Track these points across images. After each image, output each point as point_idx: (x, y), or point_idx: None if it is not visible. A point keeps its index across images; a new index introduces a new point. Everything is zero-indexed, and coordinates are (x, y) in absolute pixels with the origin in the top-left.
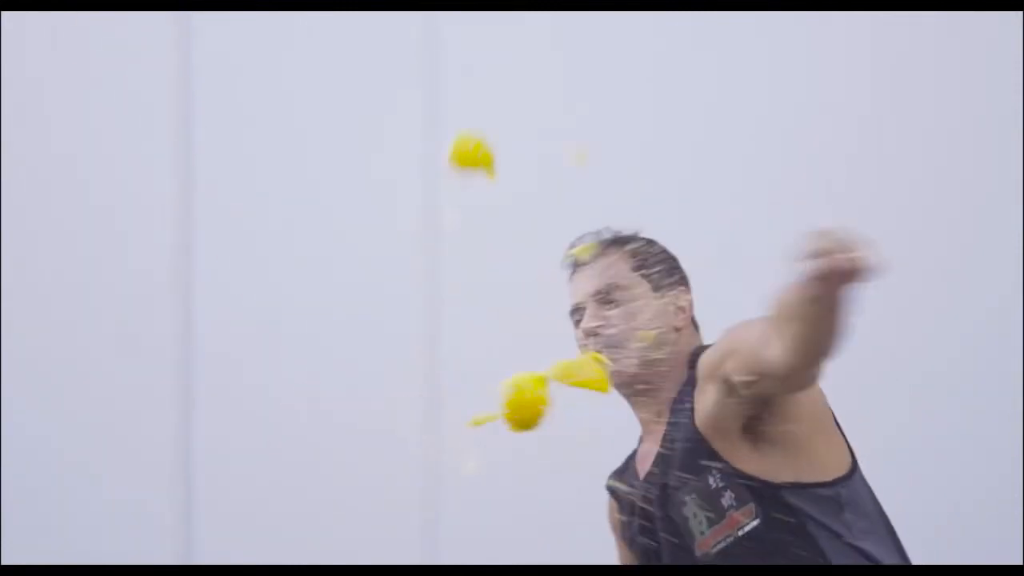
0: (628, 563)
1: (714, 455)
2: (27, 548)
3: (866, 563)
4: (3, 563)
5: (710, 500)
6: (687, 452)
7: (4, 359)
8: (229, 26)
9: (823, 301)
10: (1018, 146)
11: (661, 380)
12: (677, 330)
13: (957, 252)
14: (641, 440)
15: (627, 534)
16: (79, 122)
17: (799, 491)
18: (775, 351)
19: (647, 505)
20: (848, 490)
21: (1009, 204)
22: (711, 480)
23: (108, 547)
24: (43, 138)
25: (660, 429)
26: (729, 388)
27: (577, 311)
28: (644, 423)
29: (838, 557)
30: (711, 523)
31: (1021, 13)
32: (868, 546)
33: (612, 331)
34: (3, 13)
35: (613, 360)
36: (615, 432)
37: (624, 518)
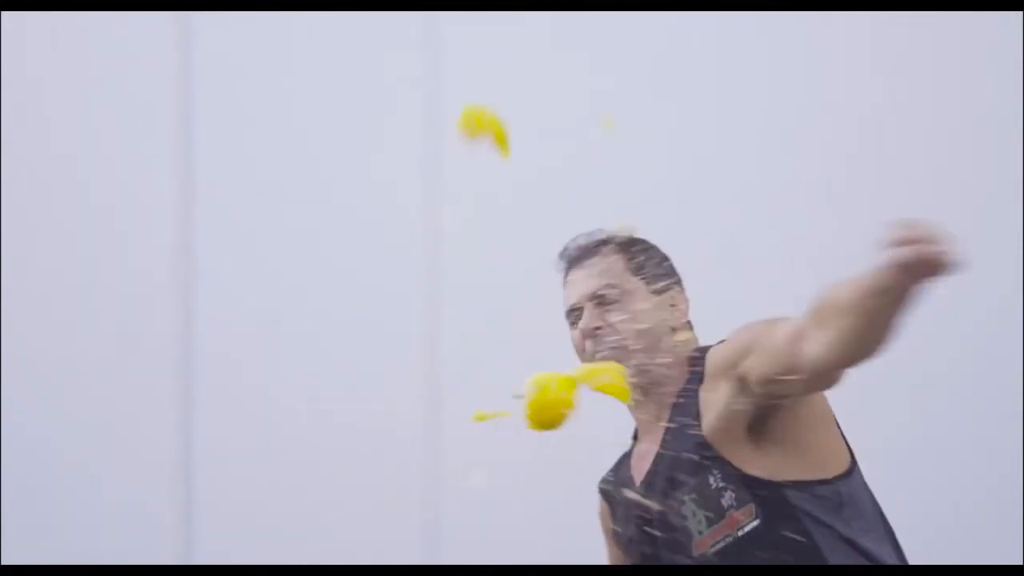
0: (618, 563)
1: (716, 455)
2: (27, 548)
3: (865, 561)
4: (3, 563)
5: (710, 500)
6: (688, 452)
7: (4, 359)
8: (229, 26)
9: (891, 294)
10: (1018, 146)
11: (661, 380)
12: (674, 330)
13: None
14: (638, 440)
15: (620, 541)
16: (79, 122)
17: (800, 489)
18: (813, 347)
19: (645, 503)
20: (848, 488)
21: (1009, 204)
22: (711, 480)
23: (108, 547)
24: (43, 138)
25: (659, 429)
26: (741, 387)
27: (574, 312)
28: (642, 423)
29: (837, 556)
30: (710, 523)
31: (1021, 13)
32: (867, 544)
33: (610, 332)
34: (3, 13)
35: (614, 360)
36: (615, 432)
37: (618, 528)
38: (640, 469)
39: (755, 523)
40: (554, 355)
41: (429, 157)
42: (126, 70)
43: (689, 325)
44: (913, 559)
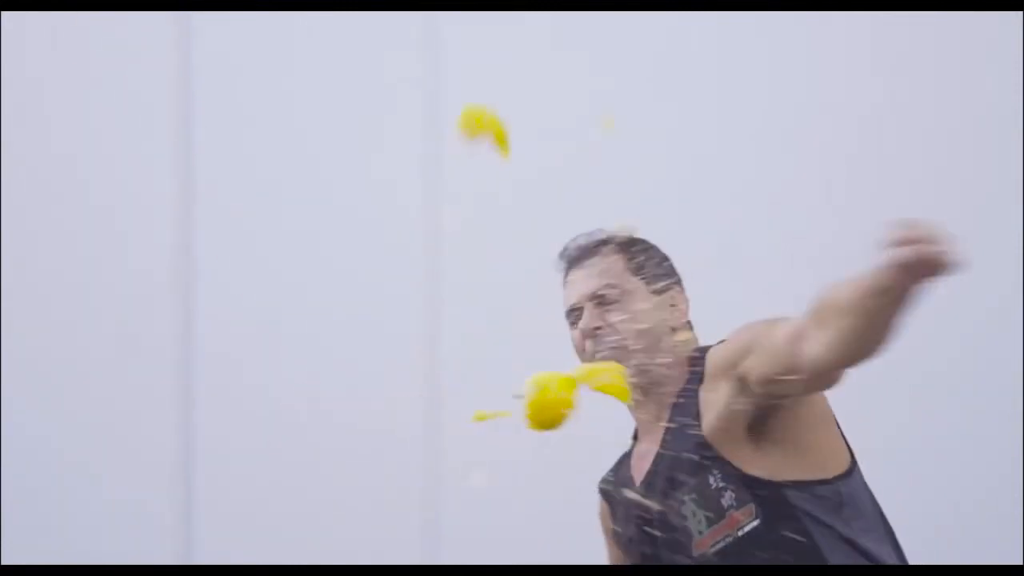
0: (618, 563)
1: (716, 455)
2: (27, 548)
3: (865, 561)
4: (3, 563)
5: (710, 500)
6: (688, 452)
7: (4, 359)
8: (229, 26)
9: (891, 294)
10: (1018, 146)
11: (661, 380)
12: (674, 330)
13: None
14: (637, 440)
15: (620, 541)
16: (79, 122)
17: (800, 489)
18: (813, 347)
19: (645, 503)
20: (848, 488)
21: (1009, 204)
22: (711, 480)
23: (108, 547)
24: (43, 138)
25: (659, 429)
26: (742, 386)
27: (573, 312)
28: (642, 423)
29: (837, 556)
30: (710, 523)
31: (1021, 13)
32: (867, 544)
33: (610, 332)
34: (3, 13)
35: (614, 361)
36: (615, 432)
37: (618, 528)
38: (640, 469)
39: (755, 523)
40: (554, 355)
41: (429, 157)
42: (126, 70)
43: (689, 325)
44: (913, 559)
